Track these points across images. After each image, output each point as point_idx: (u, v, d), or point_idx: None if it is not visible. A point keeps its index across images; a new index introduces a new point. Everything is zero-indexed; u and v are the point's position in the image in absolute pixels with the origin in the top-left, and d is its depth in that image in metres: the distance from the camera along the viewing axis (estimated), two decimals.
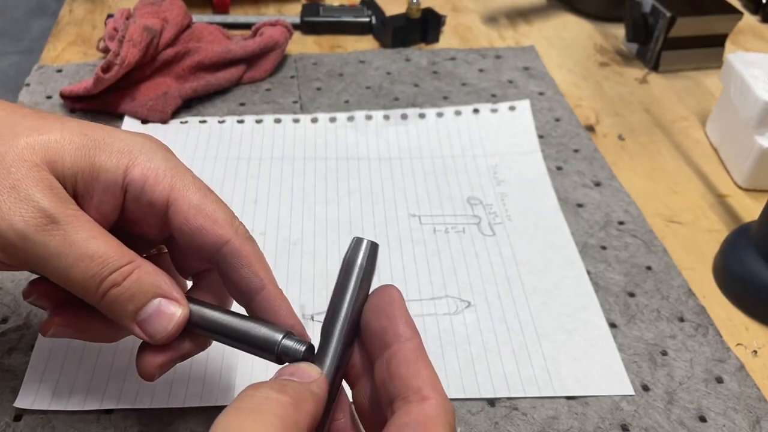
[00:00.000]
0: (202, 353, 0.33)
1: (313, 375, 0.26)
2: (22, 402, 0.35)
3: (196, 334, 0.30)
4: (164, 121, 0.55)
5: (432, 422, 0.24)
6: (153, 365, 0.30)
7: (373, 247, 0.28)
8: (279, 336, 0.28)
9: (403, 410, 0.24)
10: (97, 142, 0.29)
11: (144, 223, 0.30)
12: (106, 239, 0.28)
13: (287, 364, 0.27)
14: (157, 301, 0.28)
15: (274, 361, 0.28)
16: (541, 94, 0.61)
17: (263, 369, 0.37)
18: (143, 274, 0.28)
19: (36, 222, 0.26)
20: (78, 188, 0.28)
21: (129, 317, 0.28)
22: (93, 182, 0.28)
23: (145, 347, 0.30)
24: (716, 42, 0.66)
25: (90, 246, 0.27)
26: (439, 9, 0.69)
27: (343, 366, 0.28)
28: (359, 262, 0.28)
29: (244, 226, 0.31)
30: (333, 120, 0.56)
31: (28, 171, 0.27)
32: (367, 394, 0.28)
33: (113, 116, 0.55)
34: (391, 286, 0.28)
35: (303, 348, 0.27)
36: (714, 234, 0.49)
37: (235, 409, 0.23)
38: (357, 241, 0.28)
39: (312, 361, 0.27)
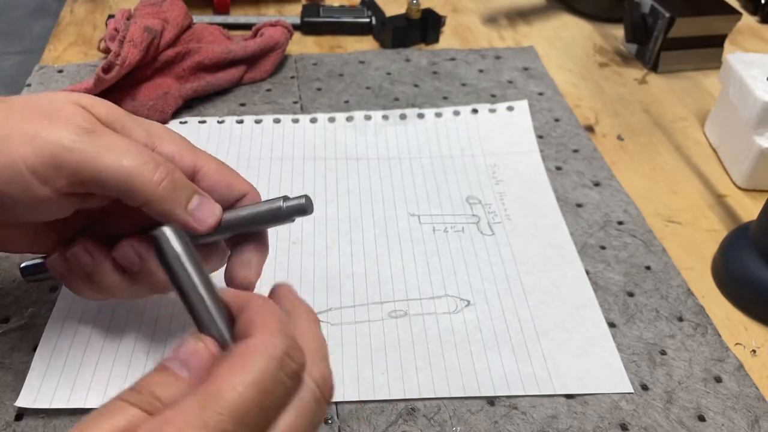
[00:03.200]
0: None
1: (200, 362, 0.25)
2: (23, 401, 0.35)
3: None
4: (164, 122, 0.55)
5: (255, 351, 0.24)
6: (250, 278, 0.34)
7: (177, 234, 0.26)
8: (280, 202, 0.33)
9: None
10: (127, 113, 0.33)
11: None
12: (144, 146, 0.32)
13: (179, 345, 0.25)
14: (198, 196, 0.32)
15: (287, 221, 0.33)
16: (540, 94, 0.61)
17: None
18: (181, 173, 0.32)
19: (81, 130, 0.30)
20: None
21: (182, 205, 0.32)
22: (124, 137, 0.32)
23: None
24: (715, 42, 0.66)
25: (134, 143, 0.31)
26: (439, 9, 0.69)
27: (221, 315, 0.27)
28: (175, 252, 0.26)
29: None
30: (332, 120, 0.56)
31: (64, 105, 0.30)
32: None
33: None
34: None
35: (303, 200, 0.32)
36: (713, 234, 0.49)
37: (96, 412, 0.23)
38: (158, 235, 0.26)
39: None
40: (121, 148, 0.30)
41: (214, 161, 0.35)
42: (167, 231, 0.26)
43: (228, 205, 0.34)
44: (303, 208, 0.32)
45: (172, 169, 0.31)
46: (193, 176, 0.33)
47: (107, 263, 0.34)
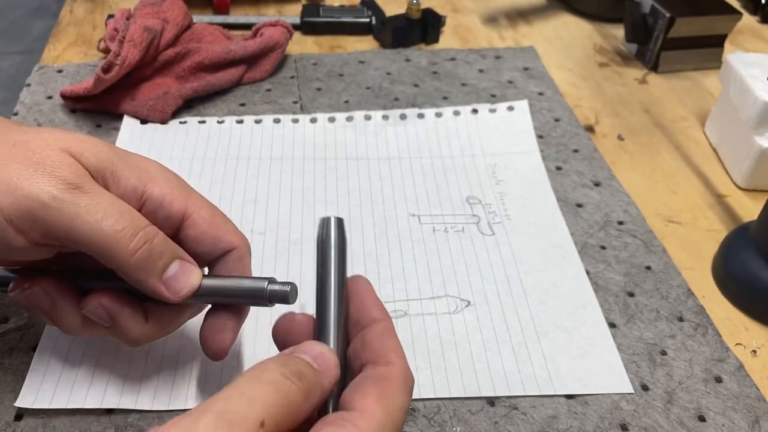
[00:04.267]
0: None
1: (329, 364, 0.27)
2: (23, 401, 0.35)
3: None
4: (164, 121, 0.55)
5: (391, 380, 0.27)
6: (225, 342, 0.33)
7: (340, 222, 0.30)
8: (264, 283, 0.31)
9: (370, 368, 0.27)
10: (119, 154, 0.32)
11: None
12: (129, 206, 0.30)
13: (308, 342, 0.28)
14: (178, 261, 0.31)
15: (266, 305, 0.32)
16: (540, 94, 0.61)
17: None
18: (164, 236, 0.31)
19: (63, 186, 0.29)
20: (98, 183, 0.30)
21: (157, 274, 0.30)
22: (113, 185, 0.31)
23: (208, 332, 0.33)
24: (715, 42, 0.66)
25: (119, 203, 0.30)
26: (439, 9, 0.69)
27: (342, 337, 0.29)
28: (333, 239, 0.30)
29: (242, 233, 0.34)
30: (332, 120, 0.56)
31: (51, 152, 0.29)
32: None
33: (113, 116, 0.55)
34: (360, 276, 0.31)
35: (288, 288, 0.31)
36: (713, 234, 0.49)
37: (252, 377, 0.24)
38: (325, 221, 0.30)
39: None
40: (101, 211, 0.29)
41: (207, 207, 0.33)
42: (332, 220, 0.30)
43: (214, 257, 0.33)
44: (284, 296, 0.31)
45: (153, 234, 0.30)
46: (181, 222, 0.32)
47: (68, 307, 0.32)
